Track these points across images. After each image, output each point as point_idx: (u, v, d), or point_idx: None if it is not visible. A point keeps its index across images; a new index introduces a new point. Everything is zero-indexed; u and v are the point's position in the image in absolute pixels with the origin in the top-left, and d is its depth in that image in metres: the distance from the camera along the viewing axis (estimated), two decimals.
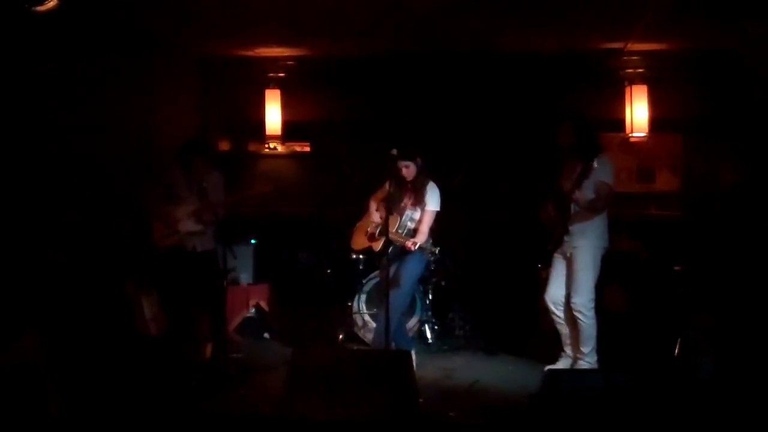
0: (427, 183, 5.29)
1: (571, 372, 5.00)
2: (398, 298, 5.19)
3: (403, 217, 5.32)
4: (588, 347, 5.13)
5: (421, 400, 4.34)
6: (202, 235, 5.39)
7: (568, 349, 5.31)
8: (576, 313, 5.12)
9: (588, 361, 5.14)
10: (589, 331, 5.12)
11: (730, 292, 5.20)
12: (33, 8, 4.19)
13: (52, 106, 5.19)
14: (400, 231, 5.28)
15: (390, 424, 3.89)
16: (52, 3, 4.17)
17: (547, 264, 5.38)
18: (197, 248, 5.37)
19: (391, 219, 5.18)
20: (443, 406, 4.62)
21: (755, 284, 5.11)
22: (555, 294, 5.27)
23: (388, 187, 5.22)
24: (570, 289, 5.16)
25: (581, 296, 5.10)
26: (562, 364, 5.31)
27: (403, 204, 5.32)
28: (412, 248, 5.05)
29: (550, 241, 5.25)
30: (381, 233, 5.25)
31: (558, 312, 5.26)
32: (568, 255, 5.18)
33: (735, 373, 4.36)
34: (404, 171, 5.24)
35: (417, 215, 5.30)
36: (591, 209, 5.05)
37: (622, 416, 3.79)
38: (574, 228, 5.10)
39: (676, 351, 4.87)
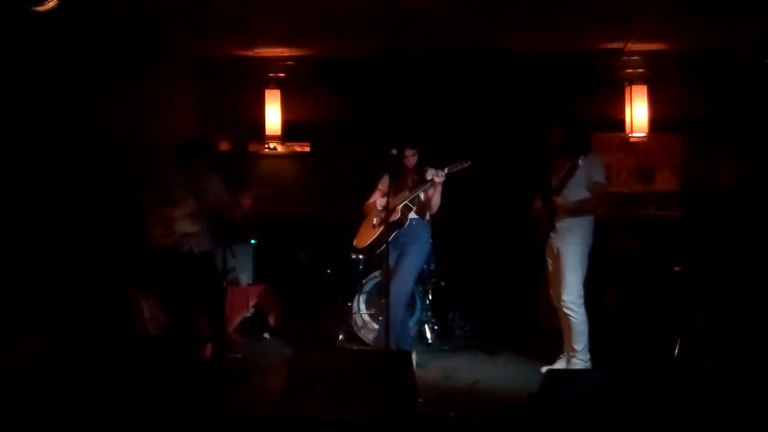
0: (426, 167, 5.34)
1: (571, 372, 5.00)
2: (399, 287, 5.19)
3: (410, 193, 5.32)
4: (580, 344, 5.14)
5: (421, 400, 4.35)
6: (199, 236, 5.38)
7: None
8: (567, 311, 5.15)
9: (581, 359, 5.15)
10: (581, 328, 5.14)
11: (730, 292, 5.20)
12: (32, 8, 4.18)
13: (50, 107, 5.18)
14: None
15: (390, 425, 3.89)
16: (51, 3, 4.16)
17: (542, 265, 5.40)
18: (194, 249, 5.36)
19: (399, 196, 5.22)
20: (443, 406, 4.61)
21: (755, 284, 5.11)
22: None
23: (388, 180, 5.25)
24: (559, 287, 5.18)
25: (570, 294, 5.12)
26: (559, 364, 5.32)
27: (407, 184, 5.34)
28: (441, 177, 5.02)
29: (537, 237, 5.28)
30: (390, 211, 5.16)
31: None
32: (555, 252, 5.21)
33: (735, 373, 4.36)
34: (410, 159, 5.30)
35: (422, 194, 5.31)
36: (586, 209, 5.08)
37: (622, 416, 3.79)
38: (561, 226, 5.14)
39: (676, 351, 4.88)
